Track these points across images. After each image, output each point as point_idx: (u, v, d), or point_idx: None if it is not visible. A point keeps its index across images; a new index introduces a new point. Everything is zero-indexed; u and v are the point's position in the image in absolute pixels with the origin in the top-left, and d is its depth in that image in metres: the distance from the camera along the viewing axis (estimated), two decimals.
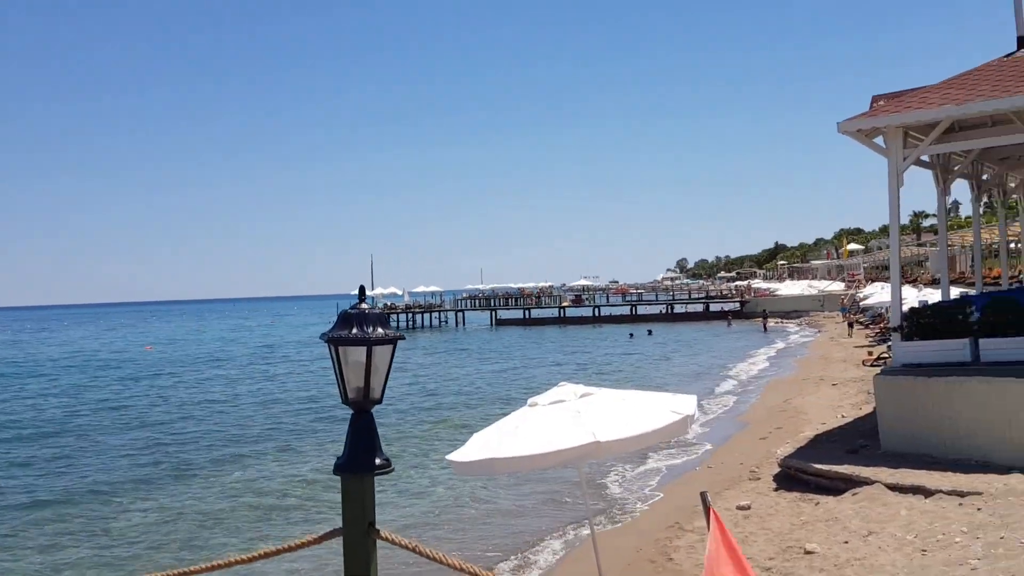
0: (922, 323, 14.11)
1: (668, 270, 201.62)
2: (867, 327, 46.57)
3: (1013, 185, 22.64)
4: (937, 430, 12.76)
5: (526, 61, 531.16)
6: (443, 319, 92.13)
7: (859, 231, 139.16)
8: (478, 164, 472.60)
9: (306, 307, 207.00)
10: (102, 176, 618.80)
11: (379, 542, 3.16)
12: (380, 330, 3.20)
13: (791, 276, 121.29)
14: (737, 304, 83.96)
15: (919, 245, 75.04)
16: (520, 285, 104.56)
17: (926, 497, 10.85)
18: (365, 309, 3.23)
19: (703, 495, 4.81)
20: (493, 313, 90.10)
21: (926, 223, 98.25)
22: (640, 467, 17.52)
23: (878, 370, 19.92)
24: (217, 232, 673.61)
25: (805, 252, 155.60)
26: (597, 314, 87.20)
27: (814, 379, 28.34)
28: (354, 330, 3.18)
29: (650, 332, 64.59)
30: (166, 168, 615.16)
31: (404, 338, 3.37)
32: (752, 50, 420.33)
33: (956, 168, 17.94)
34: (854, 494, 11.57)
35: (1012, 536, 8.61)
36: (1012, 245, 27.37)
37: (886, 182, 14.36)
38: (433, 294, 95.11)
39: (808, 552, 9.68)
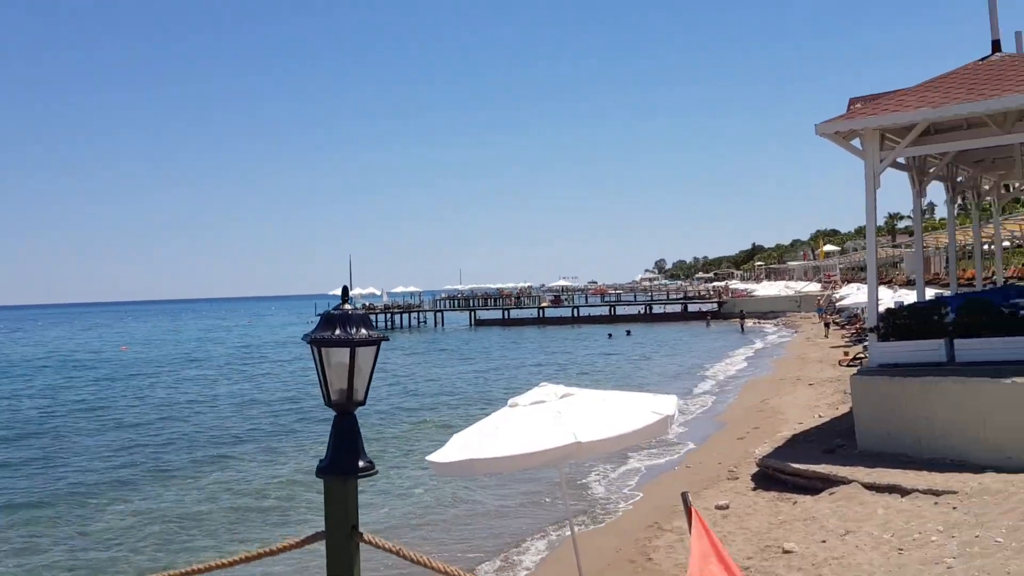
0: (898, 324, 14.24)
1: (646, 271, 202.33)
2: (843, 327, 46.97)
3: (987, 187, 22.93)
4: (913, 430, 12.88)
5: (524, 61, 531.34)
6: (422, 319, 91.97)
7: (835, 232, 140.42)
8: (456, 165, 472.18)
9: (284, 307, 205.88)
10: (75, 176, 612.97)
11: (362, 545, 3.13)
12: (363, 331, 3.17)
13: (768, 277, 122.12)
14: (715, 305, 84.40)
15: (894, 246, 75.82)
16: (499, 285, 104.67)
17: (902, 496, 10.95)
18: (348, 310, 3.21)
19: (684, 496, 4.83)
20: (472, 314, 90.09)
21: (901, 224, 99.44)
22: (620, 467, 17.56)
23: (854, 370, 20.08)
24: (194, 232, 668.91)
25: (782, 253, 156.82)
26: (576, 314, 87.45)
27: (791, 379, 28.54)
28: (337, 331, 3.15)
29: (629, 332, 64.80)
30: (140, 168, 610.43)
31: (388, 339, 3.36)
32: (729, 52, 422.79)
33: (932, 170, 18.13)
34: (831, 493, 11.65)
35: (987, 535, 8.70)
36: (986, 247, 27.64)
37: (862, 184, 14.49)
38: (412, 294, 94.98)
39: (786, 551, 9.74)
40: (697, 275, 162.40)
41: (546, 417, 7.25)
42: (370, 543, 3.07)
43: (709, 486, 14.21)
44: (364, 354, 3.18)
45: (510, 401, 7.81)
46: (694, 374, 35.62)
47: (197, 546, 13.34)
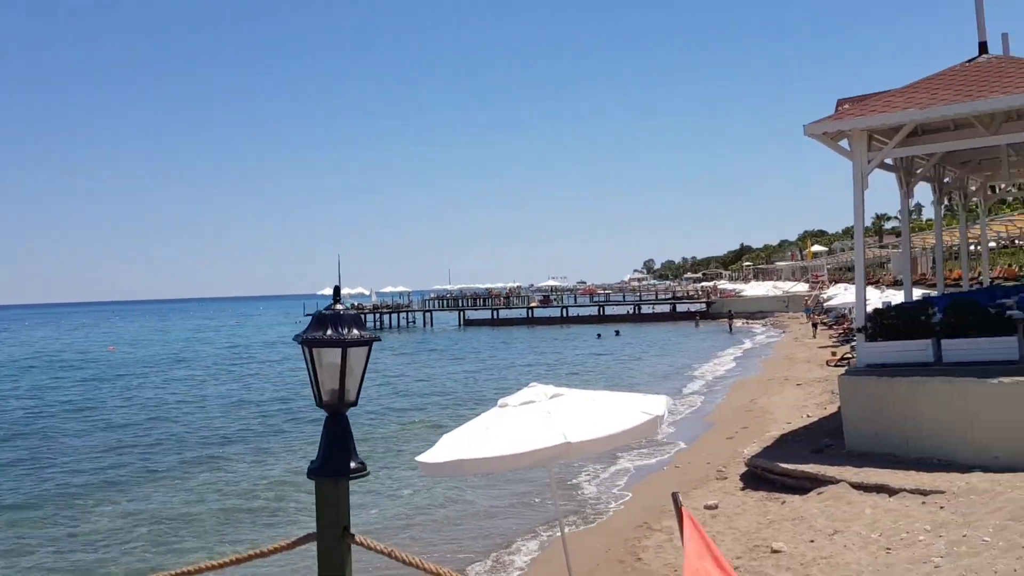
0: (886, 324, 14.31)
1: (635, 271, 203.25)
2: (831, 328, 47.15)
3: (974, 188, 23.07)
4: (900, 429, 12.94)
5: (519, 62, 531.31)
6: (411, 319, 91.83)
7: (822, 233, 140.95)
8: (446, 166, 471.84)
9: (272, 307, 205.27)
10: (65, 176, 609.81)
11: (353, 547, 3.12)
12: (355, 331, 3.15)
13: (756, 277, 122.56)
14: (703, 305, 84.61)
15: (881, 247, 76.15)
16: (488, 286, 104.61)
17: (890, 496, 11.00)
18: (340, 310, 3.19)
19: (675, 496, 4.83)
20: (461, 314, 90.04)
21: (888, 225, 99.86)
22: (609, 467, 17.58)
23: (842, 370, 20.18)
24: (183, 232, 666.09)
25: (770, 253, 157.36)
26: (565, 314, 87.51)
27: (779, 379, 28.63)
28: (328, 331, 3.13)
29: (618, 333, 64.88)
30: (131, 169, 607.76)
31: (380, 339, 3.34)
32: (722, 53, 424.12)
33: (919, 171, 18.24)
34: (819, 493, 11.70)
35: (974, 534, 8.75)
36: (972, 247, 27.81)
37: (849, 184, 14.57)
38: (401, 294, 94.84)
39: (775, 551, 9.77)
40: (685, 275, 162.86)
41: (536, 417, 7.25)
42: (362, 545, 3.06)
43: (698, 486, 14.25)
44: (356, 354, 3.16)
45: (500, 401, 7.81)
46: (683, 374, 35.70)
47: (186, 547, 13.29)
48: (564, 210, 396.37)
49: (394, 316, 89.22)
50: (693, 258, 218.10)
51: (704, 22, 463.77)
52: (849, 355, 29.04)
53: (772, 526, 10.88)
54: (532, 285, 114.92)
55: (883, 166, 16.35)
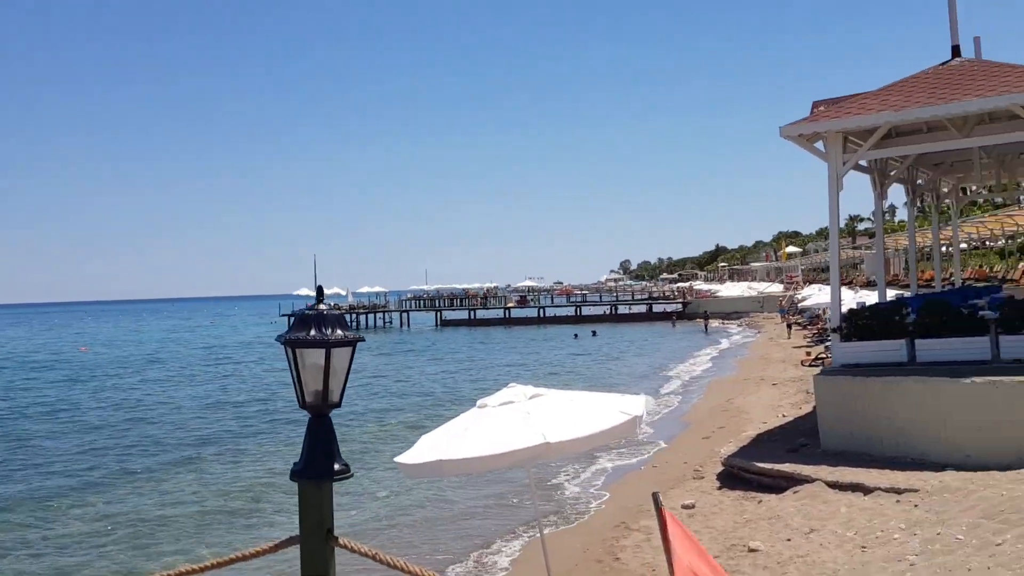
0: (860, 324, 14.45)
1: (611, 271, 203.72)
2: (805, 328, 47.52)
3: (946, 190, 23.36)
4: (875, 429, 13.07)
5: (501, 64, 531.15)
6: (388, 320, 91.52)
7: (797, 234, 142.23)
8: (421, 165, 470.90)
9: (247, 307, 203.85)
10: (33, 174, 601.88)
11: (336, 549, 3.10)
12: (339, 331, 3.12)
13: (731, 278, 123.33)
14: (680, 305, 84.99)
15: (854, 248, 76.92)
16: (465, 286, 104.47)
17: (865, 495, 11.11)
18: (323, 310, 3.15)
19: (655, 496, 4.84)
20: (438, 314, 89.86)
21: (861, 227, 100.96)
22: (588, 467, 17.61)
23: (816, 370, 20.35)
24: (156, 232, 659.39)
25: (745, 254, 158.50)
26: (542, 315, 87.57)
27: (755, 379, 28.82)
28: (312, 332, 3.09)
29: (594, 333, 65.02)
30: (98, 169, 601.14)
31: (364, 339, 3.31)
32: (694, 55, 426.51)
33: (893, 173, 18.44)
34: (795, 492, 11.79)
35: (948, 532, 8.86)
36: (944, 249, 28.15)
37: (822, 186, 14.72)
38: (377, 294, 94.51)
39: (752, 550, 9.84)
40: (662, 276, 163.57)
41: (515, 418, 7.25)
42: (346, 548, 3.04)
43: (675, 486, 14.31)
44: (340, 355, 3.13)
45: (479, 402, 7.81)
46: (660, 374, 35.84)
47: (163, 550, 13.15)
48: (540, 210, 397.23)
49: (371, 316, 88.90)
50: (669, 259, 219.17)
51: (677, 24, 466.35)
52: (823, 355, 29.31)
53: (749, 525, 10.95)
54: (509, 285, 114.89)
55: (858, 168, 16.52)
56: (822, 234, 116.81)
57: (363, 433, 23.09)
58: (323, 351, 3.09)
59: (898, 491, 10.90)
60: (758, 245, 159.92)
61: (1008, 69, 13.94)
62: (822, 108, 15.68)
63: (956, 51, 15.62)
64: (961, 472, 11.29)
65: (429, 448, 7.28)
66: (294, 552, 3.16)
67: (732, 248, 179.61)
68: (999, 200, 43.68)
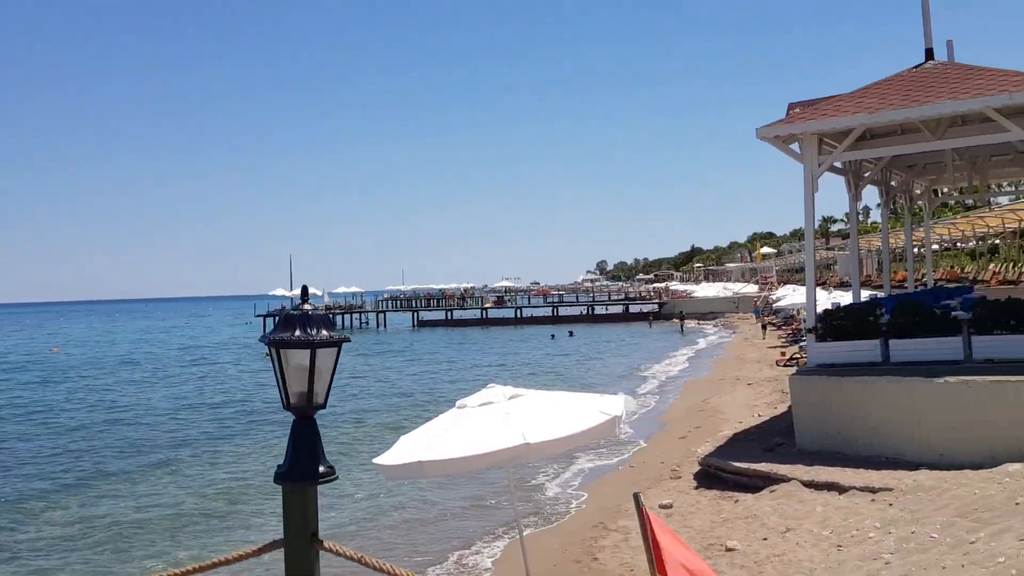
0: (835, 325, 14.58)
1: (588, 272, 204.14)
2: (779, 328, 47.89)
3: (919, 192, 23.65)
4: (850, 428, 13.19)
5: (475, 63, 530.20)
6: (364, 320, 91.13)
7: (771, 235, 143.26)
8: (397, 165, 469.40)
9: (222, 308, 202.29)
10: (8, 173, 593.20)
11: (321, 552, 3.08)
12: (324, 332, 3.08)
13: (707, 278, 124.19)
14: (656, 306, 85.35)
15: (827, 249, 77.57)
16: (442, 286, 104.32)
17: (840, 494, 11.20)
18: (308, 310, 3.11)
19: (636, 496, 4.87)
20: (415, 314, 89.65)
21: (834, 228, 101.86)
22: (566, 467, 17.64)
23: (791, 370, 20.54)
24: (129, 232, 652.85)
25: (720, 255, 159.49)
26: (519, 315, 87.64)
27: (730, 379, 29.00)
28: (297, 332, 3.05)
29: (571, 333, 65.14)
30: (69, 168, 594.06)
31: (350, 340, 3.28)
32: (667, 55, 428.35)
33: (867, 175, 18.63)
34: (772, 491, 11.87)
35: (922, 530, 8.95)
36: (916, 250, 28.49)
37: (796, 187, 14.90)
38: (354, 295, 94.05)
39: (729, 549, 9.89)
40: (638, 276, 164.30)
41: (495, 418, 7.26)
42: (331, 551, 3.02)
43: (652, 485, 14.36)
44: (325, 356, 3.10)
45: (458, 402, 7.81)
46: (637, 375, 35.97)
47: (140, 554, 13.00)
48: (517, 211, 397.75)
49: (347, 317, 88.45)
50: (645, 259, 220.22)
51: (651, 25, 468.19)
52: (798, 355, 29.55)
53: (726, 524, 11.01)
54: (486, 286, 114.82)
55: (832, 169, 16.68)
56: (796, 235, 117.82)
57: (341, 434, 22.97)
58: (308, 352, 3.05)
59: (873, 490, 11.01)
60: (733, 246, 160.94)
61: (980, 72, 14.13)
62: (798, 110, 15.80)
63: (930, 54, 15.82)
64: (935, 471, 11.41)
65: (408, 449, 7.26)
66: (277, 555, 3.14)
67: (707, 249, 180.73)
68: (970, 202, 44.24)
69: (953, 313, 13.44)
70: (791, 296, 42.41)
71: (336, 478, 3.18)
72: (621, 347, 52.63)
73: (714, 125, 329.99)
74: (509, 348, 55.42)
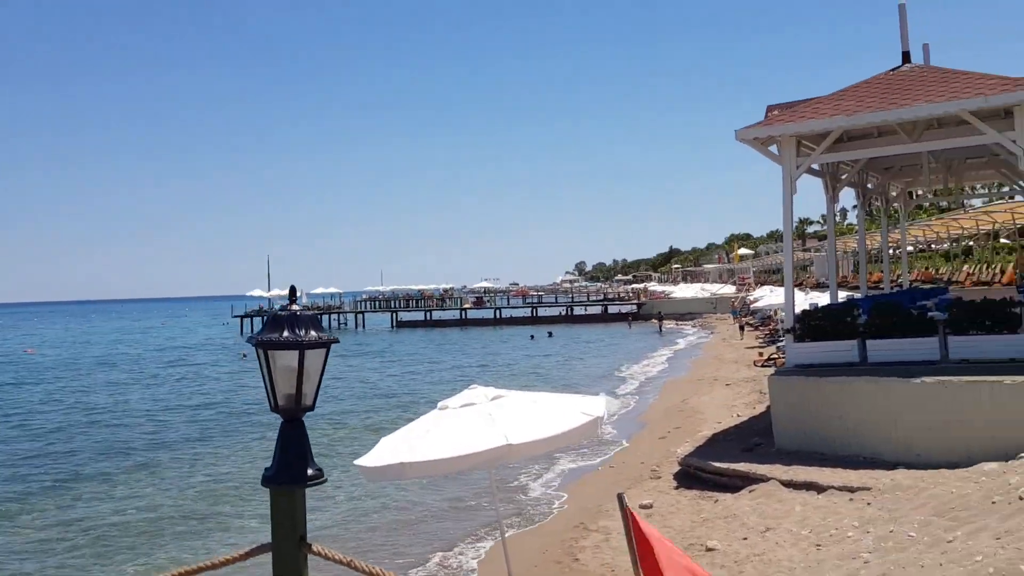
0: (813, 325, 14.69)
1: (567, 272, 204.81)
2: (757, 329, 48.17)
3: (894, 194, 23.87)
4: (828, 428, 13.29)
5: (453, 62, 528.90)
6: (343, 321, 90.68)
7: (748, 236, 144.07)
8: (376, 166, 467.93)
9: (199, 308, 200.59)
10: None
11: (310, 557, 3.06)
12: (312, 333, 3.05)
13: (685, 279, 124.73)
14: (635, 306, 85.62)
15: (804, 250, 78.14)
16: (421, 287, 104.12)
17: (819, 493, 11.29)
18: (296, 310, 3.08)
19: (620, 497, 4.87)
20: (394, 315, 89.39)
21: (810, 229, 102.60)
22: (548, 467, 17.63)
23: (769, 370, 20.65)
24: (103, 232, 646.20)
25: (698, 256, 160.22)
26: (498, 316, 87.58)
27: (709, 379, 29.11)
28: (285, 333, 3.02)
29: (551, 334, 65.15)
30: (45, 170, 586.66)
31: (338, 341, 3.25)
32: (646, 54, 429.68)
33: (844, 177, 18.79)
34: (751, 491, 11.94)
35: (900, 529, 9.03)
36: (892, 251, 28.78)
37: (773, 188, 15.01)
38: (332, 295, 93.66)
39: (709, 549, 9.94)
40: (616, 277, 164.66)
41: (477, 419, 7.25)
42: (319, 555, 3.00)
43: (632, 485, 14.40)
44: (313, 357, 3.07)
45: (440, 403, 7.79)
46: (617, 375, 36.05)
47: (120, 558, 12.85)
48: (496, 212, 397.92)
49: (325, 317, 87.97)
50: (623, 260, 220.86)
51: (630, 25, 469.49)
52: (775, 355, 29.72)
53: (706, 524, 11.06)
54: (465, 286, 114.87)
55: (810, 171, 16.80)
56: (773, 236, 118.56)
57: (321, 436, 22.81)
58: (296, 353, 3.02)
59: (851, 490, 11.10)
60: (711, 247, 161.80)
61: (956, 75, 14.29)
62: (776, 112, 15.91)
63: (906, 57, 15.98)
64: (912, 471, 11.52)
65: (390, 451, 7.23)
66: (264, 559, 3.11)
67: (685, 250, 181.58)
68: (944, 204, 44.66)
69: (929, 314, 13.59)
70: (769, 297, 42.64)
71: (325, 481, 3.16)
72: (601, 347, 52.73)
73: (692, 127, 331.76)
74: (489, 349, 55.38)
